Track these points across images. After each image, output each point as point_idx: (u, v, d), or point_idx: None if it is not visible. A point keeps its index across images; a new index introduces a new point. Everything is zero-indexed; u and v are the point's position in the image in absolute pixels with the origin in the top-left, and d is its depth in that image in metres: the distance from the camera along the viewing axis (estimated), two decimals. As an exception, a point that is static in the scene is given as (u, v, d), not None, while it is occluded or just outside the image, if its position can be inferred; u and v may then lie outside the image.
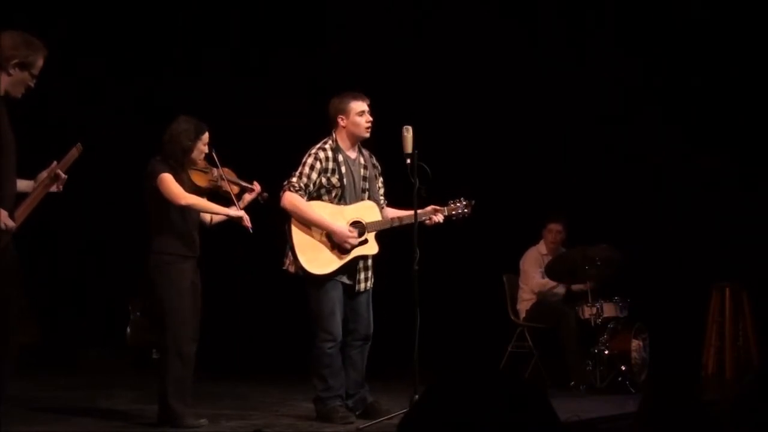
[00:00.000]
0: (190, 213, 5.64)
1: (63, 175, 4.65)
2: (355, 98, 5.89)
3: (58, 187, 4.71)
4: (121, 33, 9.10)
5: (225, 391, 7.13)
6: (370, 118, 5.90)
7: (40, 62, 4.44)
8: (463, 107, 8.97)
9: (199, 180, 5.67)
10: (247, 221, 5.62)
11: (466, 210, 5.99)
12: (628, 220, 8.62)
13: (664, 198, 8.81)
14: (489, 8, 8.94)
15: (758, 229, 8.34)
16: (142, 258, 5.70)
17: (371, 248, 5.88)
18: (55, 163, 4.67)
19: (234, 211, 5.63)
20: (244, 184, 5.81)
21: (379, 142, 6.02)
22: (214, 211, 5.68)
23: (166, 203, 5.53)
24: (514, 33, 8.95)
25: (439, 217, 5.92)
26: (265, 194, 5.87)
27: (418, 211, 5.69)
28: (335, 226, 5.77)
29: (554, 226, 8.15)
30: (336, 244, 5.79)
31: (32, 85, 4.46)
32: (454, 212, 5.96)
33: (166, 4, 9.16)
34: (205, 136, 5.65)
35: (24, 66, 4.40)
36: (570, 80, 8.95)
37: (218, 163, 5.69)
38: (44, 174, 4.68)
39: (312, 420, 5.84)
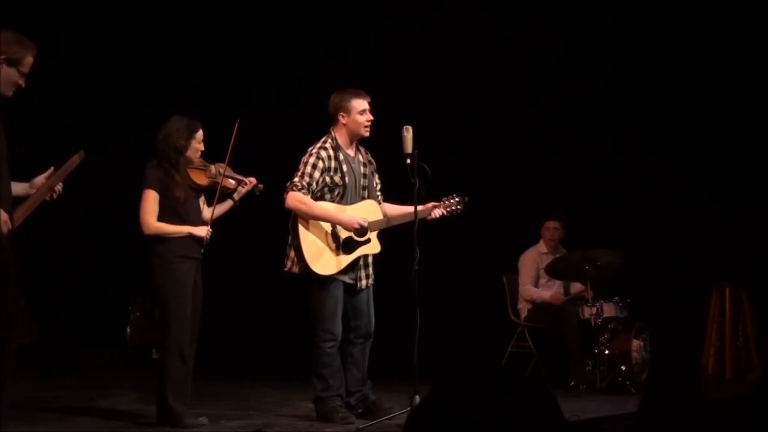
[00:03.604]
0: (189, 214, 5.65)
1: (59, 188, 4.65)
2: (357, 96, 5.88)
3: (51, 197, 4.70)
4: (121, 32, 9.10)
5: (225, 391, 7.13)
6: (371, 117, 5.90)
7: (28, 59, 4.39)
8: (463, 107, 8.97)
9: (199, 178, 5.69)
10: (206, 237, 5.61)
11: (458, 207, 6.00)
12: (628, 221, 8.62)
13: (665, 198, 8.81)
14: (489, 8, 8.93)
15: (758, 229, 8.33)
16: (143, 258, 5.71)
17: (374, 247, 5.90)
18: (52, 169, 4.66)
19: (197, 231, 5.61)
20: (240, 177, 5.84)
21: (379, 142, 6.02)
22: (177, 233, 5.58)
23: (166, 206, 5.55)
24: (514, 32, 8.94)
25: (438, 212, 5.93)
26: (261, 185, 5.88)
27: (419, 208, 5.70)
28: (343, 216, 5.78)
29: (551, 224, 8.13)
30: (341, 244, 5.79)
31: (22, 84, 4.41)
32: (448, 208, 5.97)
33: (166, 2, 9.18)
34: (199, 134, 5.65)
35: (12, 62, 4.35)
36: (570, 80, 8.95)
37: (226, 158, 5.71)
38: (41, 179, 4.67)
39: (312, 420, 5.85)
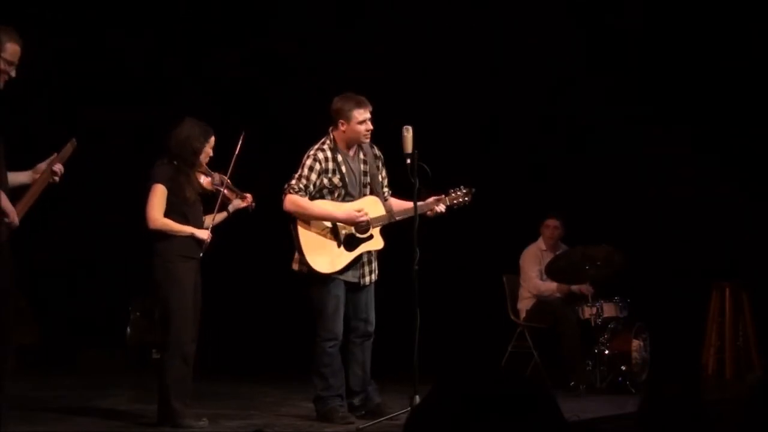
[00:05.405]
0: (194, 215, 5.66)
1: (61, 169, 4.65)
2: (359, 105, 5.81)
3: (53, 179, 4.69)
4: (119, 28, 9.10)
5: (225, 391, 7.13)
6: (371, 127, 5.85)
7: (10, 47, 4.33)
8: (463, 107, 8.97)
9: (205, 182, 5.71)
10: (207, 241, 5.62)
11: (466, 198, 5.98)
12: (629, 220, 8.61)
13: (664, 197, 8.81)
14: (488, 8, 8.93)
15: (758, 229, 8.33)
16: (143, 258, 5.71)
17: (377, 243, 5.89)
18: (55, 154, 4.68)
19: (200, 233, 5.63)
20: (238, 191, 5.87)
21: (380, 142, 6.01)
22: (181, 231, 5.59)
23: (173, 204, 5.56)
24: (514, 33, 8.94)
25: (441, 207, 5.91)
26: (254, 204, 5.93)
27: (419, 203, 5.68)
28: (341, 212, 5.77)
29: (551, 222, 8.13)
30: (342, 241, 5.78)
31: (11, 74, 4.38)
32: (455, 201, 5.95)
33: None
34: (212, 139, 5.68)
35: None
36: (570, 79, 8.95)
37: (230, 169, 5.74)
38: (43, 165, 4.67)
39: (312, 420, 5.85)
